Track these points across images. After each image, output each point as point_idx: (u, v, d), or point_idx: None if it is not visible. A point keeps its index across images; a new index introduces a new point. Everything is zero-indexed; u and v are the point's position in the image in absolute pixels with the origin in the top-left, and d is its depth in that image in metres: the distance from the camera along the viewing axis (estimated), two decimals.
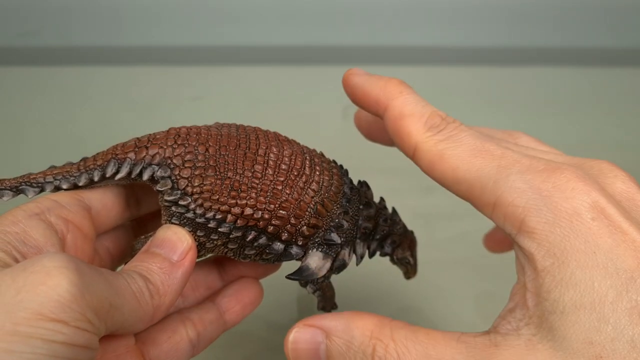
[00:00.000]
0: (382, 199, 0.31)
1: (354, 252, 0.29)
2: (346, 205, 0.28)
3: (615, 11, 0.74)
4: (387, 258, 0.31)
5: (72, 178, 0.26)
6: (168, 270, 0.24)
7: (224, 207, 0.25)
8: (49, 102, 0.63)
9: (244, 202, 0.26)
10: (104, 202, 0.27)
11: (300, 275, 0.27)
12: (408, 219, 0.32)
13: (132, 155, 0.26)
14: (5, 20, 0.71)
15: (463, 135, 0.24)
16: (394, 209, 0.31)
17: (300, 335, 0.24)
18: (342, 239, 0.28)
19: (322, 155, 0.29)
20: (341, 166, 0.30)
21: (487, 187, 0.22)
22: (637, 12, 0.75)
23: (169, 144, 0.26)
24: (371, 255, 0.30)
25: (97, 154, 0.27)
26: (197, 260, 0.26)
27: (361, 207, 0.29)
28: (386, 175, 0.53)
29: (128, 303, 0.22)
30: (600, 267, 0.19)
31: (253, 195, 0.26)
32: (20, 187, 0.26)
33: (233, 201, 0.25)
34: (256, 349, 0.37)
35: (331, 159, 0.30)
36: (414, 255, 0.32)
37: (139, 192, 0.29)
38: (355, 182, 0.30)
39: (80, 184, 0.26)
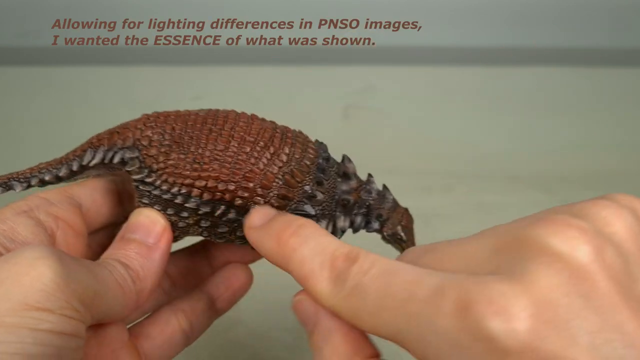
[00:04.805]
0: (370, 175, 0.29)
1: (334, 225, 0.28)
2: (320, 176, 0.27)
3: (615, 11, 0.74)
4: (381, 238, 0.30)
5: (54, 170, 0.27)
6: (145, 254, 0.24)
7: (187, 181, 0.26)
8: (49, 102, 0.63)
9: (206, 174, 0.26)
10: (94, 197, 0.27)
11: None
12: None
13: (105, 142, 0.27)
14: (5, 20, 0.70)
15: (367, 283, 0.19)
16: (384, 186, 0.30)
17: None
18: (318, 211, 0.27)
19: (300, 133, 0.28)
20: (321, 143, 0.29)
21: (396, 340, 0.19)
22: (637, 12, 0.75)
23: (139, 126, 0.27)
24: (355, 230, 0.29)
25: (78, 146, 0.28)
26: (175, 243, 0.27)
27: (339, 179, 0.28)
28: (386, 175, 0.52)
29: (112, 290, 0.22)
30: None
31: (215, 166, 0.26)
32: (9, 183, 0.27)
33: (196, 174, 0.26)
34: (246, 333, 0.37)
35: (314, 139, 0.29)
36: (409, 232, 0.30)
37: (131, 188, 0.28)
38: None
39: (61, 174, 0.27)
